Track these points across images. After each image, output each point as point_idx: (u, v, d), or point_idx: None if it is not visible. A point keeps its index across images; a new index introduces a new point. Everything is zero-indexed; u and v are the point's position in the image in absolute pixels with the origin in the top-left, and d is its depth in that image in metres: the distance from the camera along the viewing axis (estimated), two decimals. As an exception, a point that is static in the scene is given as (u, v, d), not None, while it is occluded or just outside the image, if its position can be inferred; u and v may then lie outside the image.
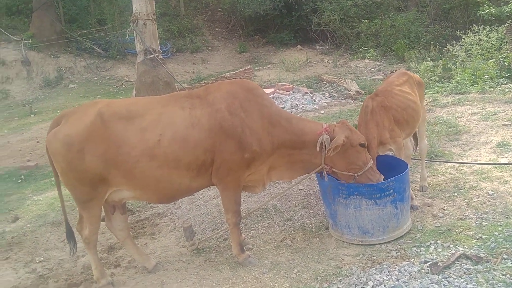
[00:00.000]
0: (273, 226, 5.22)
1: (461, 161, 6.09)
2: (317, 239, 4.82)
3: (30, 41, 17.89)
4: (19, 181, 8.51)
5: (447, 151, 6.55)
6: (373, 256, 4.35)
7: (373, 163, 4.60)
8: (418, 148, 5.66)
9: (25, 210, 6.94)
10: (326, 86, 13.58)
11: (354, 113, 9.42)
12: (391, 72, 14.23)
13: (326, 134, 4.37)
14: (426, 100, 9.58)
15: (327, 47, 19.37)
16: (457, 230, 4.52)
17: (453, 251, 4.12)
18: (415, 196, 5.34)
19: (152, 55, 11.34)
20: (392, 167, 4.86)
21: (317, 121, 4.78)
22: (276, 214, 5.45)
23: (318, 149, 4.35)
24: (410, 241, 4.49)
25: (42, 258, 5.30)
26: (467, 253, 4.01)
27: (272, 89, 11.66)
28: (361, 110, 4.95)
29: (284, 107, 10.54)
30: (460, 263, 3.93)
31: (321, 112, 10.16)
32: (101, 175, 4.07)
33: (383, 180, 4.52)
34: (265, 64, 17.98)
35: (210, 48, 21.39)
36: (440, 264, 3.88)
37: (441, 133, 7.33)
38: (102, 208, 4.43)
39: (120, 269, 4.88)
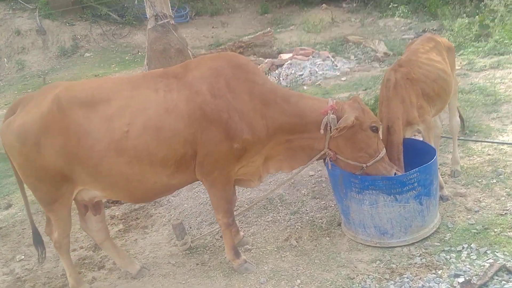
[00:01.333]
0: (278, 220, 4.53)
1: (500, 139, 5.21)
2: (327, 238, 4.10)
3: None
4: (20, 161, 8.02)
5: (484, 125, 5.65)
6: (392, 263, 3.61)
7: (400, 152, 3.84)
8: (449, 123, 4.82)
9: (20, 195, 6.44)
10: (351, 47, 12.56)
11: (378, 80, 8.48)
12: (427, 30, 13.26)
13: (333, 113, 3.59)
14: (460, 63, 8.57)
15: (354, 4, 18.05)
16: (495, 230, 3.72)
17: (490, 260, 3.35)
18: (446, 183, 4.53)
19: (163, 21, 10.63)
20: (417, 152, 4.07)
21: (322, 98, 3.99)
22: (282, 206, 4.75)
23: (322, 131, 3.58)
24: (438, 243, 3.73)
25: (23, 256, 4.78)
26: (508, 265, 3.23)
27: (290, 55, 10.75)
28: (382, 85, 4.13)
29: (302, 75, 9.68)
30: (499, 278, 3.16)
31: (343, 79, 9.24)
32: (62, 172, 3.43)
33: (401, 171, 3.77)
34: (287, 26, 16.91)
35: (230, 10, 20.35)
36: (474, 281, 3.13)
37: (477, 103, 6.39)
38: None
39: (104, 272, 4.30)
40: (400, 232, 3.77)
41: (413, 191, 3.65)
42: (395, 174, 3.68)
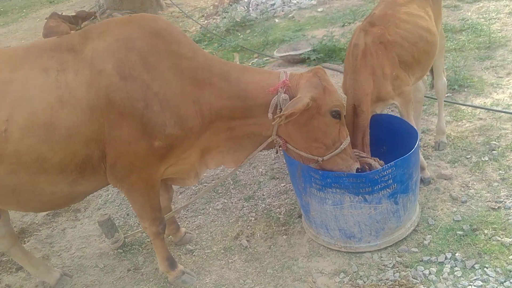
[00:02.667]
0: (229, 208, 3.81)
1: (495, 97, 4.42)
2: (284, 236, 3.41)
3: None
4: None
5: (476, 77, 4.83)
6: (359, 276, 2.94)
7: (366, 135, 3.06)
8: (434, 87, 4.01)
9: None
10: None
11: (358, 13, 7.47)
12: None
13: (285, 92, 2.76)
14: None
15: None
16: (486, 232, 3.04)
17: (479, 282, 2.69)
18: (428, 158, 3.82)
19: None
20: (395, 132, 3.30)
21: (272, 71, 3.12)
22: (235, 189, 4.01)
23: (270, 115, 2.77)
24: (415, 249, 3.05)
25: None
26: (502, 293, 2.58)
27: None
28: (348, 50, 3.24)
29: (274, 5, 8.59)
30: (490, 314, 2.52)
31: (319, 10, 8.18)
32: None
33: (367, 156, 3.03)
34: None
35: None
36: (458, 319, 2.49)
37: (468, 46, 5.51)
38: None
39: (21, 276, 3.61)
40: (370, 236, 3.08)
41: (387, 190, 2.91)
42: (357, 169, 2.92)
